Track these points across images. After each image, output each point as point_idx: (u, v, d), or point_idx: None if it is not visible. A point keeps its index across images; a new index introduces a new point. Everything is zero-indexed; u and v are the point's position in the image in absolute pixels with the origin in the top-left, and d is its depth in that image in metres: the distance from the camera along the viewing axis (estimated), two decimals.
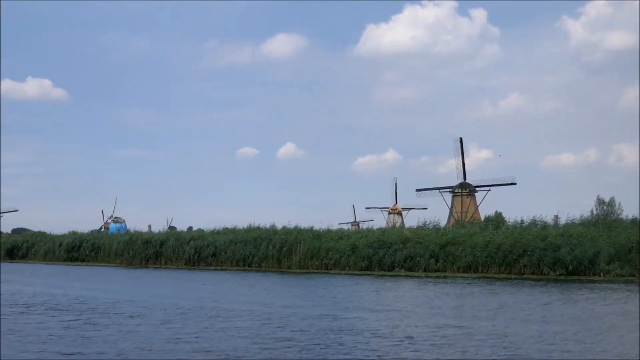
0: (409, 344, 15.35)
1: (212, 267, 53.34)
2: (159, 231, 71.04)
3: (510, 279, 38.12)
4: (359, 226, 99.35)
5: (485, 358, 13.63)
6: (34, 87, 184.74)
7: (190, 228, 79.03)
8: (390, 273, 43.76)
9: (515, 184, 77.31)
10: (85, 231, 77.28)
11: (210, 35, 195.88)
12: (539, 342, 15.53)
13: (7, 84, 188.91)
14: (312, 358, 13.56)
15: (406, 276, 41.77)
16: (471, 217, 74.08)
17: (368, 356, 13.70)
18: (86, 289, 33.01)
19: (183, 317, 20.55)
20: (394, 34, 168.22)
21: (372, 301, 26.04)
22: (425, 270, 43.19)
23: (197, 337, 16.27)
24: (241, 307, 23.38)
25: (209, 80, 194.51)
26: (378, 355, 13.76)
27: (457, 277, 40.05)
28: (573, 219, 47.14)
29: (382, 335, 16.74)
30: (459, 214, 76.44)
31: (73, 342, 15.67)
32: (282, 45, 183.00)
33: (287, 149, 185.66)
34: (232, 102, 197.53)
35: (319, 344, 15.10)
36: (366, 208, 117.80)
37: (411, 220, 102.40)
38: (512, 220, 50.52)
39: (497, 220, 57.30)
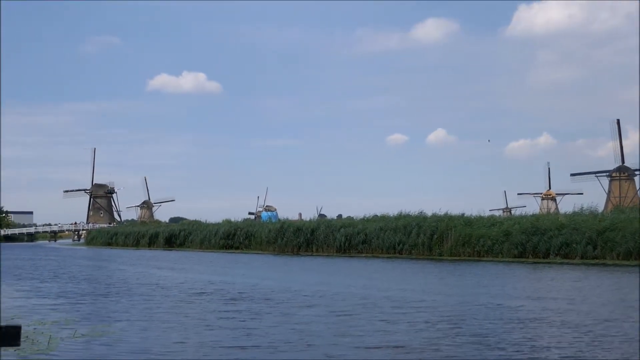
0: (599, 338, 14.49)
1: (363, 255, 53.56)
2: (310, 219, 72.00)
3: None
4: (510, 212, 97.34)
5: None
6: (189, 80, 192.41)
7: (340, 216, 79.81)
8: (545, 260, 42.56)
9: None
10: (239, 220, 79.36)
11: (361, 23, 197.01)
12: None
13: (163, 78, 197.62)
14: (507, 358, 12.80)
15: (562, 263, 40.49)
16: (630, 201, 71.04)
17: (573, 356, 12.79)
18: (251, 276, 33.64)
19: (354, 308, 20.06)
20: (548, 13, 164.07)
21: (543, 290, 25.17)
22: (582, 258, 41.68)
23: (372, 331, 15.73)
24: (414, 297, 22.83)
25: (359, 67, 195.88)
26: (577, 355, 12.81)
27: (617, 264, 38.40)
28: None
29: (569, 328, 15.87)
30: (617, 198, 73.46)
31: (242, 332, 15.76)
32: (432, 30, 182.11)
33: (437, 135, 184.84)
34: (382, 88, 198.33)
35: (505, 340, 14.35)
36: (518, 194, 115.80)
37: (566, 205, 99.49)
38: None
39: None
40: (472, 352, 13.16)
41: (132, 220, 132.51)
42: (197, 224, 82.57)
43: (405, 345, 13.79)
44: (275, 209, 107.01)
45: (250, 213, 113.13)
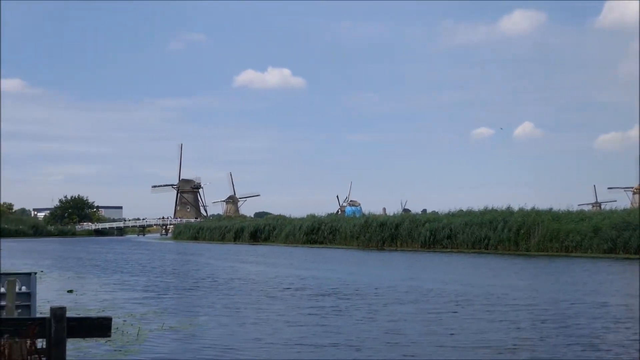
0: None
1: (448, 250, 53.05)
2: (394, 214, 71.67)
3: None
4: (600, 207, 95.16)
5: None
6: (274, 76, 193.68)
7: (424, 210, 79.18)
8: (636, 256, 41.23)
9: None
10: (323, 214, 79.55)
11: (446, 15, 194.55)
12: None
13: (249, 74, 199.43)
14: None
15: None
16: None
17: None
18: (338, 271, 33.47)
19: (446, 305, 19.54)
20: None
21: None
22: None
23: (464, 329, 15.26)
24: (508, 294, 22.17)
25: (444, 60, 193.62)
26: None
27: None
28: None
29: None
30: None
31: (323, 330, 15.58)
32: (519, 21, 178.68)
33: (525, 128, 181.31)
34: (467, 81, 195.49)
35: (611, 340, 13.72)
36: (608, 188, 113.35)
37: None
38: None
39: None
40: (578, 353, 12.60)
41: (218, 215, 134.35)
42: (281, 218, 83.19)
43: (498, 346, 13.30)
44: (359, 204, 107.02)
45: (336, 197, 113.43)
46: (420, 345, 13.47)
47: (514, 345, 13.40)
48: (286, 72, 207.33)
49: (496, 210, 56.29)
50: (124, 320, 16.27)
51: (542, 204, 54.69)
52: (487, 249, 50.54)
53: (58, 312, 5.16)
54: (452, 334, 14.65)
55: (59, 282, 27.91)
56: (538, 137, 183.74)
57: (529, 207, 54.11)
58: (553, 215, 50.29)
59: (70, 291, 23.91)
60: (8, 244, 70.52)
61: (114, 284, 27.50)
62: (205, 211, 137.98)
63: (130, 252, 57.93)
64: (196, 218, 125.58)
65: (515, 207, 55.30)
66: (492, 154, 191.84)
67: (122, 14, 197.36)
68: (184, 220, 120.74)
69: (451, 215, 59.05)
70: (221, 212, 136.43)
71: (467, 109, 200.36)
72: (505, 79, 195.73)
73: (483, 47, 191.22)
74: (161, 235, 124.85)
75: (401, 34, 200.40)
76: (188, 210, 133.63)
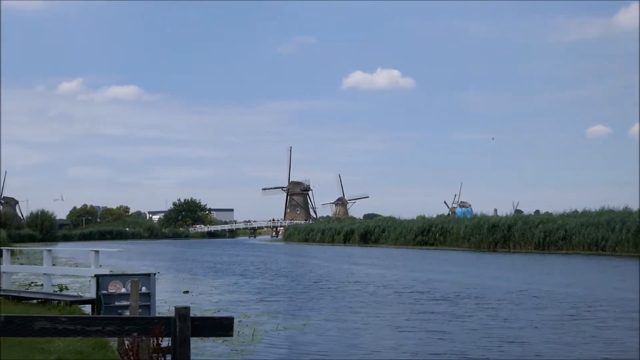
0: None
1: (563, 251, 51.71)
2: (506, 215, 70.48)
3: None
4: None
5: None
6: (383, 77, 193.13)
7: (537, 211, 77.53)
8: None
9: None
10: (433, 216, 78.90)
11: (558, 10, 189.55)
12: None
13: (358, 75, 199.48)
14: None
15: None
16: None
17: None
18: (455, 273, 33.14)
19: (577, 312, 18.57)
20: None
21: None
22: None
23: (591, 338, 14.48)
24: None
25: (558, 57, 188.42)
26: None
27: None
28: None
29: None
30: None
31: (432, 336, 15.21)
32: (637, 14, 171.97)
33: None
34: (582, 78, 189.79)
35: None
36: None
37: None
38: None
39: None
40: None
41: (327, 217, 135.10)
42: (391, 220, 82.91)
43: (632, 358, 12.54)
44: (470, 205, 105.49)
45: (445, 203, 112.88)
46: (544, 356, 12.79)
47: None
48: (395, 73, 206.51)
49: (613, 210, 54.82)
50: (239, 321, 16.44)
51: None
52: (605, 251, 48.99)
53: (183, 312, 5.22)
54: (583, 343, 13.89)
55: (174, 283, 28.62)
56: None
57: None
58: None
59: (186, 292, 24.46)
60: (126, 245, 73.05)
61: (229, 285, 28.00)
62: (315, 213, 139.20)
63: (243, 254, 58.94)
64: (305, 220, 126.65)
65: (634, 207, 53.76)
66: (609, 153, 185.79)
67: (231, 18, 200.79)
68: (294, 222, 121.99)
69: (565, 216, 57.76)
70: (330, 214, 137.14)
71: (582, 107, 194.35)
72: (621, 75, 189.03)
73: (598, 42, 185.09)
74: (272, 237, 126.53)
75: (511, 31, 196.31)
76: (298, 212, 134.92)
